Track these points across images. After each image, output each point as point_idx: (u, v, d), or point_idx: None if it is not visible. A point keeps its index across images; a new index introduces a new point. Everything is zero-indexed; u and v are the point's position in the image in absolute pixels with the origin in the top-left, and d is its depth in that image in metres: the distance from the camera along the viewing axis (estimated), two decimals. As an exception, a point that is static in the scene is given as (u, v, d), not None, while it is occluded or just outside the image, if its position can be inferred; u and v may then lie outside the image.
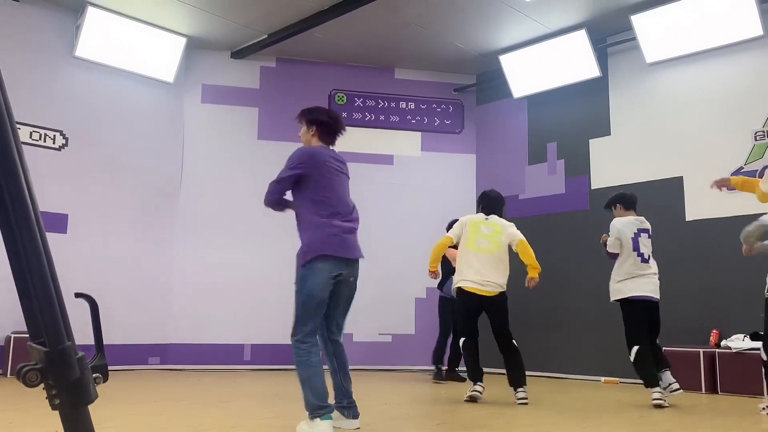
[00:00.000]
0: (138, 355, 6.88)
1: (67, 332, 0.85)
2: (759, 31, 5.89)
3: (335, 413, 3.25)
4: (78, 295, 0.97)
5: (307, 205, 3.26)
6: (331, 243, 3.20)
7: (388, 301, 7.52)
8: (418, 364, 7.50)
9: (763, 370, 4.15)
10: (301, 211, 3.29)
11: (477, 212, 5.02)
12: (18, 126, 6.12)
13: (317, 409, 3.08)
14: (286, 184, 3.30)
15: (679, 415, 4.19)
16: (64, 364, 0.83)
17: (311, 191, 3.25)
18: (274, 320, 7.04)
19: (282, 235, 7.29)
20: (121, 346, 6.69)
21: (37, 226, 0.85)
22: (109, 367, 6.81)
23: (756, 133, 5.93)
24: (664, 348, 5.83)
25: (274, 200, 3.36)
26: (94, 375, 0.91)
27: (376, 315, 7.40)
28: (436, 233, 7.11)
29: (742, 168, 5.96)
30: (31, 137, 6.42)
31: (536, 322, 7.05)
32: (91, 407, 0.88)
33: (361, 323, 7.17)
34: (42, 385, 0.86)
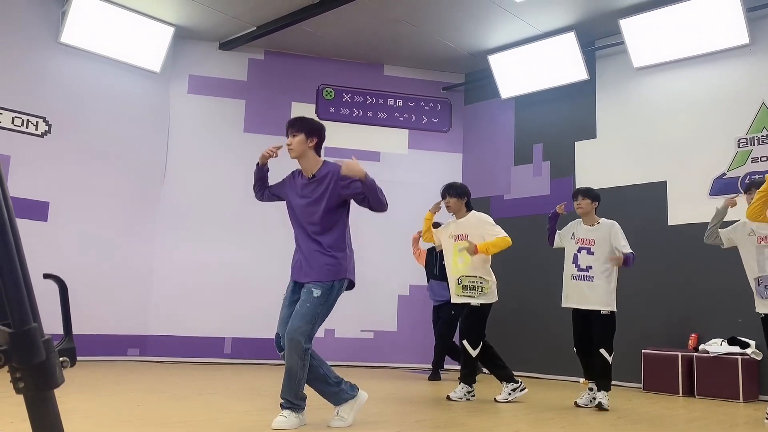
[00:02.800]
0: (117, 346, 6.80)
1: (34, 314, 0.82)
2: (745, 39, 5.95)
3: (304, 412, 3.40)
4: (47, 276, 0.95)
5: (343, 227, 3.35)
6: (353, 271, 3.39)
7: (370, 298, 7.50)
8: (400, 360, 7.49)
9: None
10: (338, 230, 3.33)
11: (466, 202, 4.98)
12: (0, 111, 5.99)
13: (302, 400, 3.28)
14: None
15: (658, 417, 4.23)
16: (29, 346, 0.81)
17: (347, 217, 3.38)
18: (255, 314, 6.99)
19: (264, 229, 7.26)
20: (100, 337, 6.61)
21: (4, 205, 0.82)
22: (88, 358, 6.66)
23: (739, 140, 5.99)
24: (643, 350, 5.89)
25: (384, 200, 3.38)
26: (61, 359, 0.88)
27: (359, 311, 7.38)
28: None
29: (725, 174, 6.01)
30: (13, 123, 6.32)
31: (518, 322, 7.08)
32: (63, 397, 0.86)
33: (344, 319, 7.14)
34: (6, 369, 0.84)
